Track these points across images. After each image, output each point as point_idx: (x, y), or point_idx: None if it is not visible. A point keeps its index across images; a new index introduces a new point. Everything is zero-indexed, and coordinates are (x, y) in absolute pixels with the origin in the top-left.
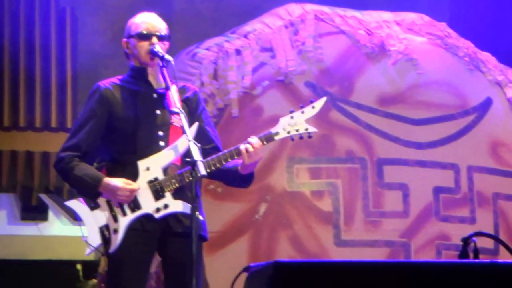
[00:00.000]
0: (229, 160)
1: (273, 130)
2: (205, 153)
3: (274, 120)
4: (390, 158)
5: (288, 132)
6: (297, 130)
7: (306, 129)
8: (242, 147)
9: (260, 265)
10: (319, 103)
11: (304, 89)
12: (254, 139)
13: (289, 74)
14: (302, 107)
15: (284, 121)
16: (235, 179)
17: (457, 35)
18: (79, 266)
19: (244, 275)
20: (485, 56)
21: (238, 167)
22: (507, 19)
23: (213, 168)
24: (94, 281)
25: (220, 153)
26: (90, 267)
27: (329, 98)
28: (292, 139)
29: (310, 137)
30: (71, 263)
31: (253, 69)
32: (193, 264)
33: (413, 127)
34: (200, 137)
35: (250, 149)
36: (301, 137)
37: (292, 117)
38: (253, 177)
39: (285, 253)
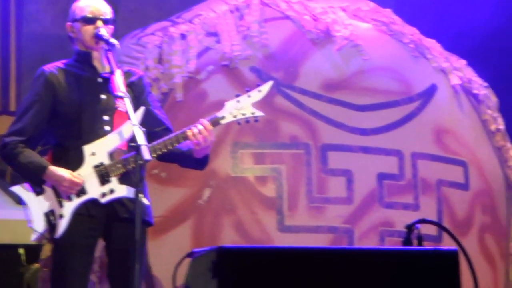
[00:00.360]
0: (176, 144)
1: (219, 114)
2: (157, 136)
3: (219, 105)
4: (334, 144)
5: (235, 116)
6: (244, 114)
7: (253, 113)
8: (190, 132)
9: (204, 250)
10: (266, 87)
11: (249, 74)
12: (204, 122)
13: (234, 59)
14: (248, 91)
15: (230, 105)
16: (190, 161)
17: (402, 21)
18: (21, 251)
19: (188, 260)
20: (430, 43)
21: (193, 150)
22: (451, 6)
23: (159, 152)
24: (37, 265)
25: (166, 137)
26: (33, 251)
27: (273, 83)
28: (239, 123)
29: (256, 121)
30: (13, 247)
31: (198, 54)
32: (136, 249)
33: (358, 113)
34: (150, 120)
35: (204, 132)
36: (247, 121)
37: (238, 101)
38: (208, 160)
39: (228, 238)
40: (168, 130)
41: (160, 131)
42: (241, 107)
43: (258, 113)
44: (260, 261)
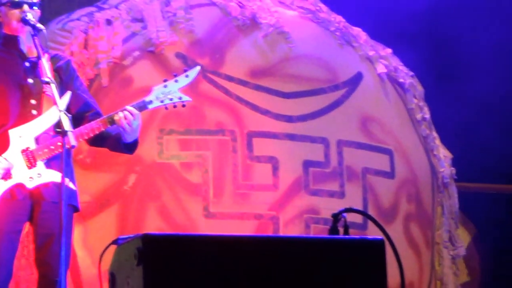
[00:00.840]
0: (103, 128)
1: (147, 98)
2: (86, 120)
3: (144, 91)
4: (260, 131)
5: (162, 101)
6: (171, 99)
7: (180, 98)
8: (117, 116)
9: (129, 237)
10: (193, 72)
11: (174, 60)
12: (130, 107)
13: (159, 45)
14: (175, 75)
15: (157, 90)
16: (120, 146)
17: (329, 9)
18: None
19: (113, 247)
20: (356, 31)
21: (121, 134)
22: None
23: (85, 137)
24: None
25: (93, 122)
26: None
27: (199, 69)
28: (166, 108)
29: (183, 105)
30: None
31: (123, 40)
32: (61, 234)
33: (284, 100)
34: (79, 104)
35: (130, 117)
36: (174, 106)
37: (165, 86)
38: (137, 144)
39: (153, 224)
40: (97, 114)
41: (89, 115)
42: (168, 91)
43: (185, 98)
44: (186, 249)
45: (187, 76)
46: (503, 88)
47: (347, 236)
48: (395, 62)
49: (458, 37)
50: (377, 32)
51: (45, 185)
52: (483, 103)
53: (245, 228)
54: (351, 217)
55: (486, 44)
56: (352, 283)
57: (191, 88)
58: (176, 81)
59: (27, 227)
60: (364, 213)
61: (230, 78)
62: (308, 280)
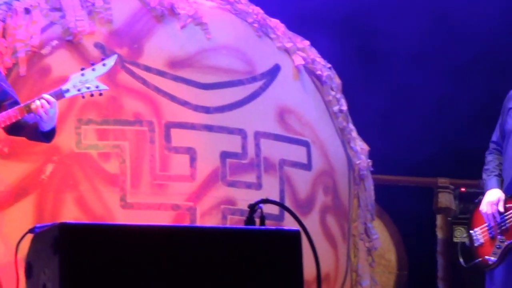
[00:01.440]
0: (19, 117)
1: (63, 87)
2: (4, 109)
3: (62, 80)
4: (178, 122)
5: (79, 90)
6: (88, 88)
7: (97, 87)
8: (33, 105)
9: (45, 226)
10: (110, 61)
11: (93, 50)
12: (46, 95)
13: (78, 35)
14: (92, 64)
15: (74, 78)
16: (37, 134)
17: (247, 1)
18: None
19: (30, 236)
20: (274, 23)
21: (38, 123)
22: None
23: (2, 125)
24: None
25: (10, 110)
26: None
27: (117, 60)
28: (83, 97)
29: (100, 94)
30: None
31: (42, 29)
32: None
33: (202, 91)
34: None
35: (46, 105)
36: (91, 95)
37: (83, 74)
38: (55, 132)
39: (71, 214)
40: (15, 103)
41: (7, 104)
42: (85, 80)
43: (102, 86)
44: (103, 238)
45: (104, 64)
46: (421, 79)
47: (263, 227)
48: (313, 54)
49: (378, 26)
50: (297, 21)
51: None
52: (400, 95)
53: (162, 219)
54: (268, 209)
55: (405, 32)
56: (268, 274)
57: (109, 79)
58: (93, 69)
59: None
60: (280, 204)
61: (148, 69)
62: (225, 271)
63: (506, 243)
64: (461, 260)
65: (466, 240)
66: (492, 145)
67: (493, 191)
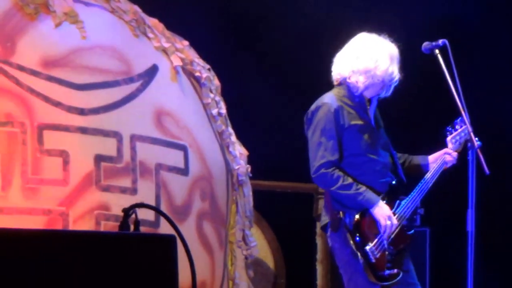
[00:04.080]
0: None
1: None
2: None
3: None
4: (51, 124)
5: None
6: None
7: None
8: None
9: None
10: None
11: None
12: None
13: None
14: None
15: None
16: None
17: None
18: None
19: None
20: (153, 22)
21: None
22: None
23: None
24: None
25: None
26: None
27: None
28: None
29: None
30: None
31: None
32: None
33: (76, 92)
34: None
35: None
36: None
37: None
38: None
39: None
40: None
41: None
42: None
43: None
44: None
45: None
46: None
47: (137, 232)
48: (192, 54)
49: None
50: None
51: None
52: (283, 100)
53: (33, 224)
54: (143, 214)
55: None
56: (142, 280)
57: None
58: None
59: None
60: (155, 209)
61: (21, 68)
62: (97, 276)
63: (394, 252)
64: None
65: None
66: (332, 164)
67: (382, 204)
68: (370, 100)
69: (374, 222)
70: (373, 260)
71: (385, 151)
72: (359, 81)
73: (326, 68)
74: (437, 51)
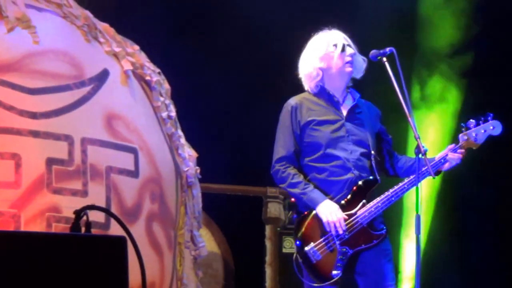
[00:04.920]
0: None
1: None
2: None
3: None
4: (3, 127)
5: None
6: None
7: None
8: None
9: None
10: None
11: None
12: None
13: None
14: None
15: None
16: None
17: (77, 4)
18: None
19: None
20: (104, 27)
21: None
22: None
23: None
24: None
25: None
26: None
27: None
28: None
29: None
30: None
31: None
32: None
33: (28, 96)
34: None
35: None
36: None
37: None
38: None
39: None
40: None
41: None
42: None
43: None
44: None
45: None
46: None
47: (88, 234)
48: (143, 59)
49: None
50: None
51: None
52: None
53: None
54: (94, 217)
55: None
56: (93, 281)
57: None
58: None
59: None
60: (106, 211)
61: None
62: (49, 277)
63: (350, 252)
64: (314, 283)
65: (294, 253)
66: (284, 159)
67: (328, 202)
68: (349, 93)
69: (320, 221)
70: (314, 261)
71: (357, 147)
72: (315, 79)
73: (280, 68)
74: (384, 58)
